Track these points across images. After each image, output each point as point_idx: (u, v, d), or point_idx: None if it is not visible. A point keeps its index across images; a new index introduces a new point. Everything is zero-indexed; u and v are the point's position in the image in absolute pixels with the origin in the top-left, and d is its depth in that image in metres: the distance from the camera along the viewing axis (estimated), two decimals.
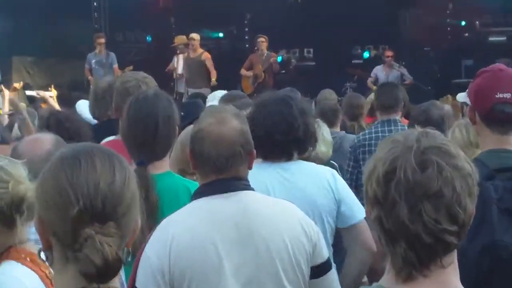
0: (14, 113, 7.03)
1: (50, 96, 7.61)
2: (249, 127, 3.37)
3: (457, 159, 1.91)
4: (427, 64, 17.52)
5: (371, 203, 1.93)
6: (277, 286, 3.18)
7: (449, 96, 10.33)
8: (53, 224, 1.93)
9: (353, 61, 19.03)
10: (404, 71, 15.69)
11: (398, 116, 6.87)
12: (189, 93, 13.68)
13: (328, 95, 9.28)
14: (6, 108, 7.11)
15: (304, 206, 3.60)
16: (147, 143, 3.82)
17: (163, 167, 3.86)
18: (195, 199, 3.26)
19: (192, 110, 5.72)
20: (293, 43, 19.05)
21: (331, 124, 7.12)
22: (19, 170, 2.82)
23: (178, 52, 16.24)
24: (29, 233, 2.77)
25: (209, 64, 15.36)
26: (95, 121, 5.91)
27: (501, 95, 3.08)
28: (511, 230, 2.84)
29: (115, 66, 15.79)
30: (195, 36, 15.70)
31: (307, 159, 4.31)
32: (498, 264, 2.78)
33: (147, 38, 20.08)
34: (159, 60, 16.89)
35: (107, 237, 1.88)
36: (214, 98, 7.12)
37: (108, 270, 1.88)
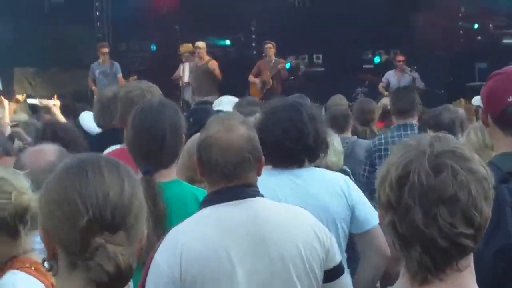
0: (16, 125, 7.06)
1: (54, 105, 7.63)
2: (258, 134, 3.39)
3: (472, 163, 1.91)
4: (440, 68, 17.49)
5: (385, 208, 1.93)
6: None
7: (462, 99, 10.33)
8: (60, 234, 1.95)
9: (363, 66, 19.03)
10: (416, 75, 15.67)
11: (414, 121, 6.90)
12: (196, 102, 13.70)
13: (339, 101, 9.29)
14: (7, 119, 7.13)
15: (317, 213, 3.62)
16: (154, 152, 3.83)
17: (170, 175, 3.87)
18: (204, 207, 3.27)
19: (202, 116, 5.72)
20: (301, 49, 19.06)
21: (342, 130, 7.15)
22: (22, 181, 2.85)
23: (184, 60, 16.27)
24: (34, 243, 2.78)
25: (217, 72, 15.37)
26: (99, 130, 5.93)
27: None
28: None
29: (119, 75, 15.81)
30: (201, 44, 15.72)
31: (318, 167, 4.31)
32: None
33: (152, 47, 20.08)
34: (164, 69, 16.90)
35: (118, 245, 1.91)
36: (221, 103, 7.14)
37: (120, 278, 1.92)
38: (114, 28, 18.91)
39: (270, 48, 16.12)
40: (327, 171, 4.26)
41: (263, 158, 3.33)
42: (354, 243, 4.24)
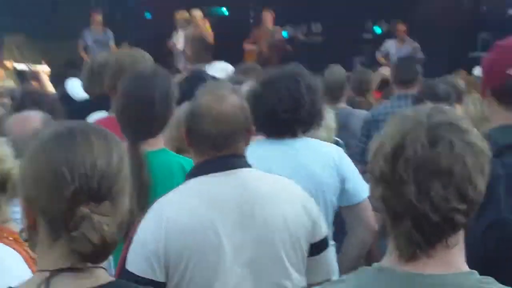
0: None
1: (43, 71, 7.60)
2: (253, 103, 3.37)
3: (470, 136, 1.89)
4: (441, 38, 17.44)
5: (377, 180, 1.91)
6: (278, 265, 3.19)
7: (462, 70, 10.31)
8: (43, 204, 1.93)
9: (363, 36, 18.97)
10: (417, 45, 15.63)
11: (415, 91, 6.86)
12: (189, 70, 13.66)
13: (337, 71, 9.25)
14: None
15: (307, 184, 3.63)
16: (142, 121, 3.83)
17: (157, 144, 3.86)
18: (191, 177, 3.25)
19: (197, 84, 5.69)
20: (299, 18, 18.98)
21: (335, 99, 7.14)
22: (3, 148, 2.82)
23: (178, 28, 16.21)
24: (12, 213, 2.76)
25: (211, 40, 15.32)
26: (86, 97, 5.91)
27: None
28: None
29: (112, 44, 15.77)
30: (196, 12, 15.68)
31: None
32: (504, 242, 2.77)
33: (146, 14, 20.02)
34: (158, 37, 16.84)
35: (103, 216, 1.90)
36: (213, 68, 7.12)
37: (104, 250, 1.91)
38: None
39: (267, 16, 16.07)
40: (321, 142, 4.25)
41: (253, 128, 3.32)
42: (343, 220, 4.23)
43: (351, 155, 4.42)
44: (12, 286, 1.99)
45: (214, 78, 6.62)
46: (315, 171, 4.02)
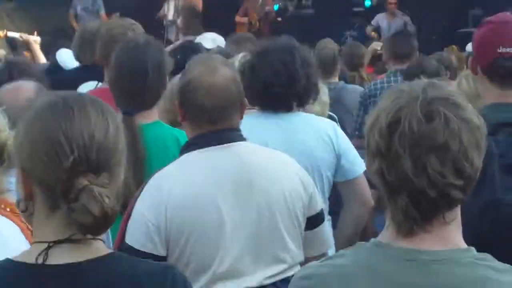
0: None
1: (34, 41, 7.56)
2: (248, 76, 3.35)
3: (465, 111, 1.90)
4: (433, 12, 17.38)
5: (373, 155, 1.92)
6: (277, 239, 3.21)
7: (454, 46, 10.28)
8: (41, 175, 1.93)
9: (354, 9, 18.89)
10: (408, 19, 15.59)
11: None
12: (182, 41, 13.60)
13: (328, 44, 9.24)
14: None
15: (302, 159, 3.63)
16: (136, 92, 3.82)
17: (152, 116, 3.85)
18: (188, 151, 3.24)
19: (190, 54, 5.67)
20: None
21: (329, 74, 7.13)
22: None
23: None
24: (9, 184, 2.75)
25: (199, 8, 15.23)
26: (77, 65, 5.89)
27: (503, 50, 3.06)
28: None
29: (102, 13, 15.67)
30: None
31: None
32: (499, 224, 2.79)
33: None
34: (148, 7, 16.72)
35: (103, 188, 1.90)
36: (203, 39, 7.11)
37: (106, 221, 1.90)
38: None
39: None
40: (316, 117, 4.25)
41: (246, 100, 3.31)
42: (338, 194, 4.24)
43: (345, 130, 4.42)
44: (10, 257, 1.98)
45: (207, 50, 6.59)
46: (310, 146, 4.01)
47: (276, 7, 16.80)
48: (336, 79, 7.39)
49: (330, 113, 5.51)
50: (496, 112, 3.00)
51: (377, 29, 15.36)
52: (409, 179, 1.85)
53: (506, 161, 2.87)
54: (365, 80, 8.01)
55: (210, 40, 7.46)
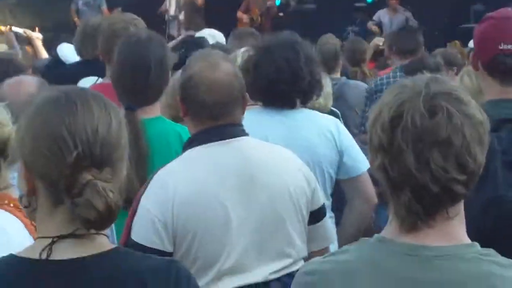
0: None
1: (37, 38, 7.57)
2: (251, 72, 3.34)
3: (468, 107, 1.90)
4: (434, 8, 17.37)
5: (376, 150, 1.91)
6: (282, 234, 3.22)
7: (456, 41, 10.28)
8: (44, 170, 1.92)
9: (355, 5, 18.86)
10: (409, 15, 15.57)
11: None
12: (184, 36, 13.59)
13: (330, 40, 9.24)
14: None
15: (304, 155, 3.62)
16: (138, 87, 3.82)
17: (154, 112, 3.85)
18: (191, 147, 3.24)
19: (194, 48, 5.67)
20: None
21: (331, 69, 7.12)
22: (2, 113, 2.80)
23: None
24: (13, 178, 2.75)
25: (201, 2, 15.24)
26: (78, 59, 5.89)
27: (504, 46, 3.06)
28: None
29: (104, 7, 15.67)
30: None
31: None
32: (502, 220, 2.78)
33: None
34: (150, 2, 16.71)
35: (107, 182, 1.90)
36: (202, 34, 7.11)
37: (110, 216, 1.90)
38: None
39: None
40: (318, 113, 4.23)
41: (247, 95, 3.31)
42: (342, 191, 4.24)
43: (347, 126, 4.41)
44: (13, 253, 1.98)
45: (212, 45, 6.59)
46: (313, 142, 4.01)
47: (277, 2, 16.80)
48: (338, 75, 7.38)
49: (333, 109, 5.50)
50: (497, 108, 3.00)
51: (379, 25, 15.33)
52: (412, 174, 1.85)
53: (508, 157, 2.87)
54: (367, 75, 8.00)
55: (209, 36, 7.45)
